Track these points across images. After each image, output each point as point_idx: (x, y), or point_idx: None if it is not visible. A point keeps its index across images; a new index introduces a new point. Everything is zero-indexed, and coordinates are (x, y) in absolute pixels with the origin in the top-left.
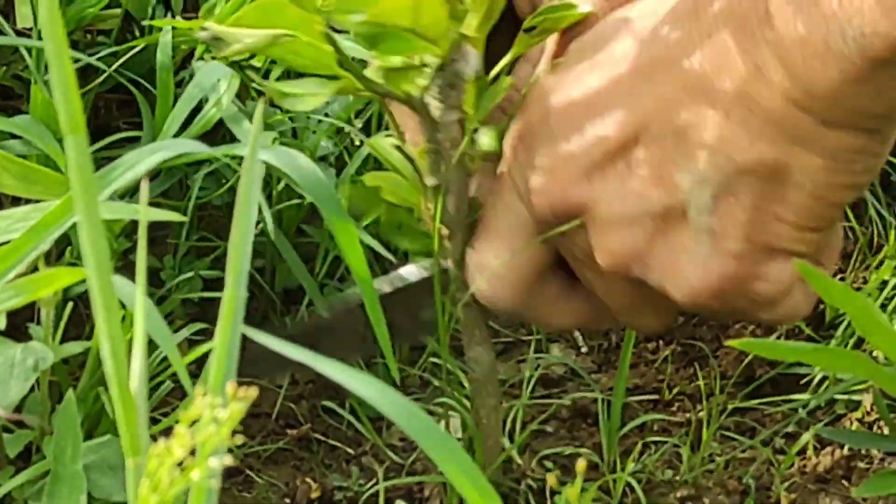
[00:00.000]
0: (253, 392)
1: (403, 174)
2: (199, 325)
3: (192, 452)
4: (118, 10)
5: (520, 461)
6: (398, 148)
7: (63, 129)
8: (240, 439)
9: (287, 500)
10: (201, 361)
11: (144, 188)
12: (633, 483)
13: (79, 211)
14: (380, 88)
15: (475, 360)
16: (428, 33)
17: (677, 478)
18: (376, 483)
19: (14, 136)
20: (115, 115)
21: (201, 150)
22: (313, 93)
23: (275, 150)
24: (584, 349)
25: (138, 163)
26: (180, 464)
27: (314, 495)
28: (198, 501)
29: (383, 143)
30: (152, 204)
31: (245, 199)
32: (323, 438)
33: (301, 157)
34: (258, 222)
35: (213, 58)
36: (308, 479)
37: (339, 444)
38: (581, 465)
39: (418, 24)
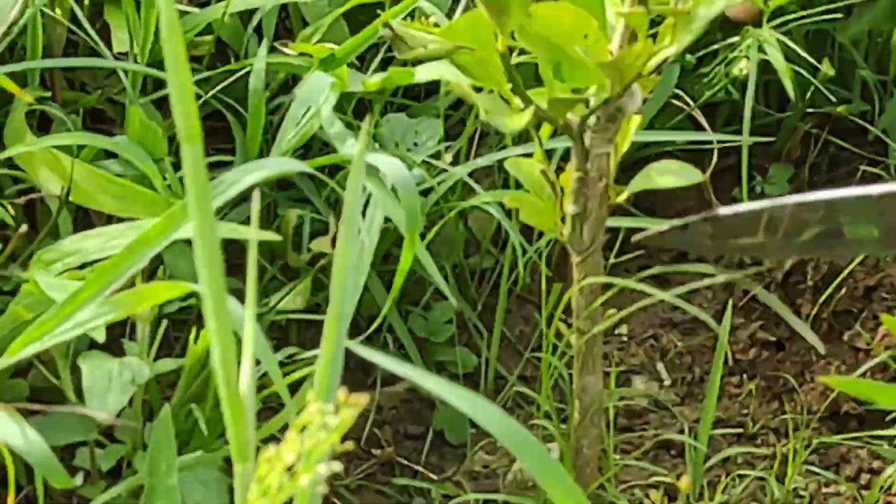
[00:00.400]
0: (364, 398)
1: (541, 198)
2: (290, 350)
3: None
4: (210, 37)
5: (612, 490)
6: (542, 172)
7: (180, 136)
8: (351, 445)
9: None
10: (293, 387)
11: (256, 199)
12: None
13: (194, 216)
14: (542, 113)
15: (585, 390)
16: (609, 69)
17: None
18: None
19: (109, 157)
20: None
21: (299, 167)
22: (517, 114)
23: (374, 155)
24: (666, 382)
25: (241, 179)
26: (288, 469)
27: None
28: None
29: (523, 165)
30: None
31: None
32: (406, 463)
33: (403, 167)
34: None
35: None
36: None
37: (421, 470)
38: (655, 494)
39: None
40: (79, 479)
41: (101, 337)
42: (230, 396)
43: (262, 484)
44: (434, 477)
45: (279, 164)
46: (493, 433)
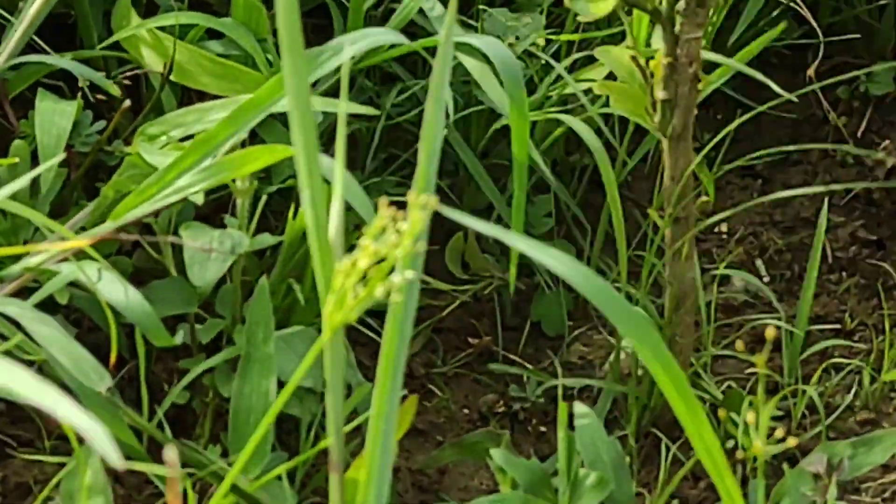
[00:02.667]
0: (434, 200)
1: (632, 85)
2: None
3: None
4: None
5: (706, 379)
6: (633, 59)
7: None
8: (423, 245)
9: (466, 411)
10: None
11: (346, 67)
12: (817, 400)
13: (289, 81)
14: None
15: (677, 276)
16: None
17: (857, 402)
18: (554, 396)
19: (213, 37)
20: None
21: (399, 39)
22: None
23: (476, 36)
24: (765, 279)
25: (341, 49)
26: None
27: (496, 409)
28: (396, 317)
29: (614, 53)
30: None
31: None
32: (503, 353)
33: (501, 46)
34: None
35: None
36: (489, 393)
37: (518, 360)
38: (770, 331)
39: None
40: (179, 338)
41: (199, 200)
42: (320, 245)
43: (337, 295)
44: (529, 367)
45: (379, 34)
46: (599, 305)
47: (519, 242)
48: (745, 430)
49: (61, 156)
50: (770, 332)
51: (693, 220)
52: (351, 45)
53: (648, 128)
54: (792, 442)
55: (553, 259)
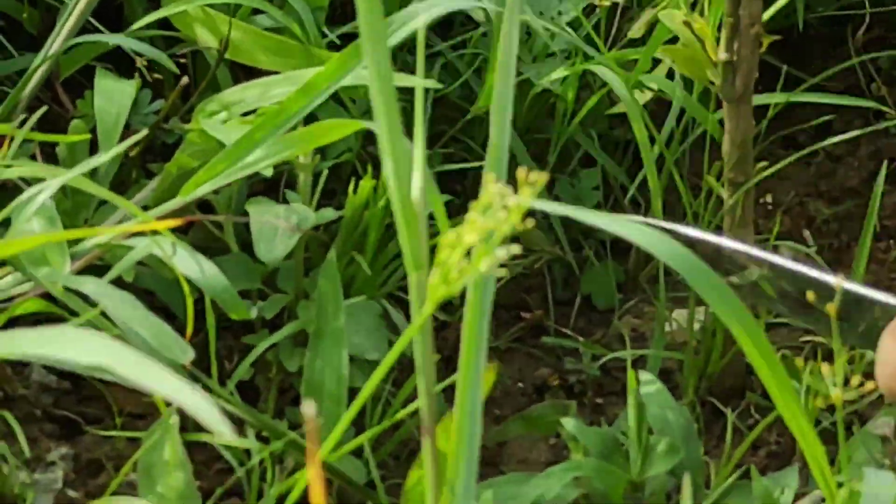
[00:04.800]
0: (544, 176)
1: (695, 48)
2: None
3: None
4: None
5: None
6: (686, 24)
7: None
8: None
9: (521, 385)
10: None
11: (421, 39)
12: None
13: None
14: None
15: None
16: None
17: None
18: (611, 365)
19: (258, 12)
20: None
21: (474, 5)
22: None
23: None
24: (814, 248)
25: (414, 16)
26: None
27: (551, 382)
28: (477, 286)
29: (677, 16)
30: None
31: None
32: (555, 327)
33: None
34: None
35: None
36: (542, 367)
37: (570, 333)
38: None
39: None
40: (254, 312)
41: (269, 173)
42: (403, 206)
43: (442, 268)
44: (581, 339)
45: (453, 1)
46: (677, 268)
47: (593, 217)
48: (807, 391)
49: (133, 138)
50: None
51: (752, 184)
52: (425, 12)
53: (713, 90)
54: (871, 385)
55: (622, 226)
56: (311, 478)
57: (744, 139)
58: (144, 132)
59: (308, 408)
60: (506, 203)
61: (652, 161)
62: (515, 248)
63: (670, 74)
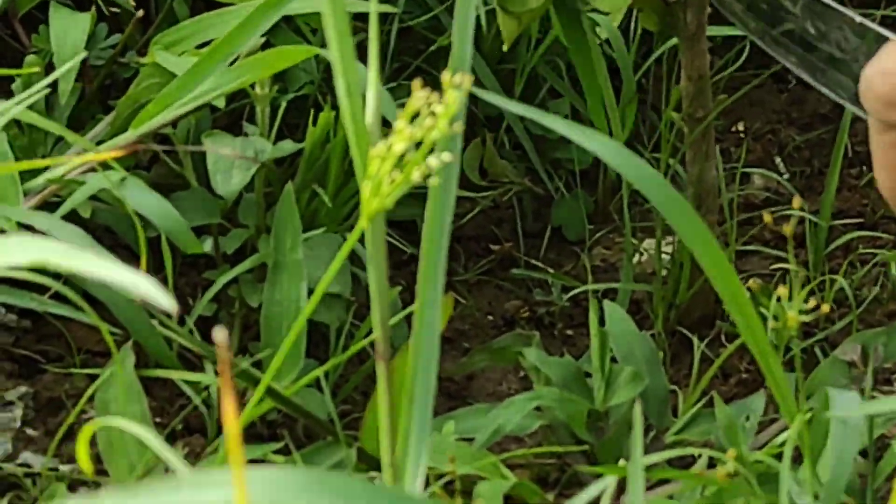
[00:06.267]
0: (469, 79)
1: None
2: None
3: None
4: None
5: None
6: None
7: None
8: (459, 127)
9: (490, 317)
10: None
11: None
12: (847, 290)
13: None
14: None
15: (699, 178)
16: None
17: (884, 295)
18: (582, 297)
19: None
20: None
21: None
22: None
23: None
24: (785, 175)
25: None
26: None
27: (520, 314)
28: (436, 201)
29: None
30: None
31: None
32: (525, 259)
33: None
34: None
35: None
36: (513, 299)
37: (540, 265)
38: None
39: None
40: (207, 245)
41: (221, 104)
42: (356, 129)
43: (373, 180)
44: (552, 271)
45: None
46: (642, 189)
47: (562, 126)
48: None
49: (77, 59)
50: (787, 229)
51: (712, 122)
52: None
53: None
54: (825, 308)
55: (597, 143)
56: (225, 406)
57: (700, 75)
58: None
59: (219, 333)
60: (433, 110)
61: (610, 89)
62: (447, 156)
63: None
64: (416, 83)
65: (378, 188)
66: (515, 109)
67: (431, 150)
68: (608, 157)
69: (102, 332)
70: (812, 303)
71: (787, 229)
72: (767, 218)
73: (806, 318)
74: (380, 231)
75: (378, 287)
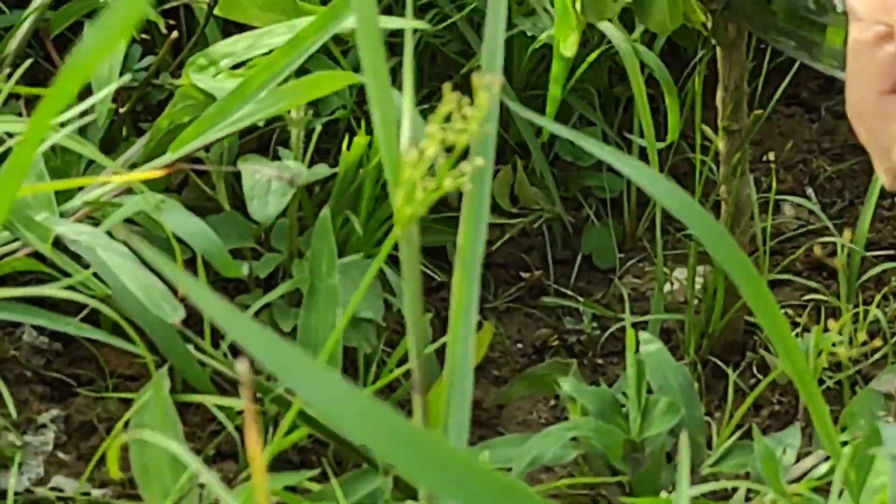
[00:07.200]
0: (499, 80)
1: None
2: None
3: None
4: None
5: None
6: None
7: None
8: (491, 129)
9: (520, 345)
10: None
11: None
12: (883, 322)
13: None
14: None
15: (731, 193)
16: None
17: None
18: (612, 325)
19: None
20: None
21: None
22: None
23: None
24: (816, 205)
25: None
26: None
27: (550, 342)
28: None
29: None
30: None
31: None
32: (555, 287)
33: None
34: None
35: None
36: (542, 327)
37: (570, 293)
38: (817, 249)
39: None
40: (245, 270)
41: (259, 122)
42: (390, 155)
43: (406, 187)
44: (581, 299)
45: None
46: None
47: (598, 149)
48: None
49: (114, 85)
50: (817, 249)
51: (746, 132)
52: None
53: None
54: (877, 342)
55: (632, 167)
56: (249, 438)
57: (737, 86)
58: (135, 89)
59: (242, 365)
60: (464, 113)
61: (650, 123)
62: (480, 161)
63: None
64: (447, 87)
65: (411, 195)
66: (553, 128)
67: (465, 157)
68: (643, 182)
69: (143, 356)
70: (859, 338)
71: (818, 251)
72: (818, 251)
73: (854, 353)
74: (414, 261)
75: (414, 320)
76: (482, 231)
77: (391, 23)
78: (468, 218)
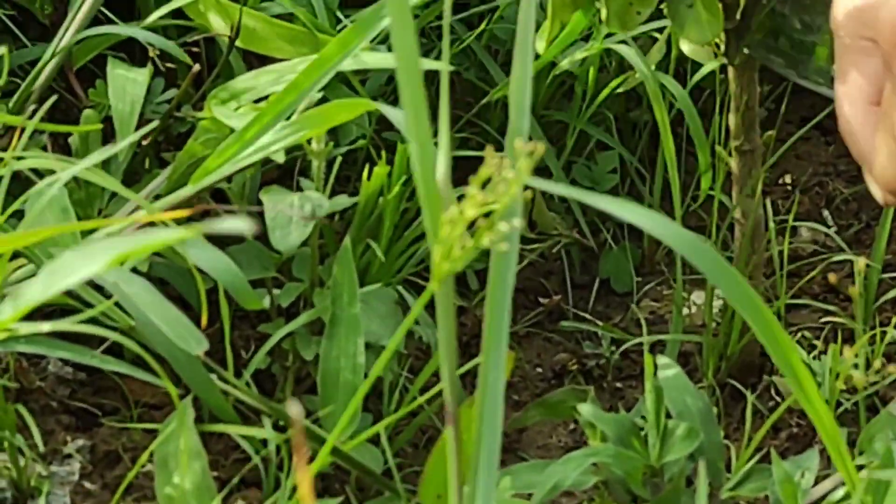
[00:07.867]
0: (542, 147)
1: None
2: None
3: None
4: None
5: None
6: None
7: None
8: (530, 194)
9: (539, 370)
10: None
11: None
12: None
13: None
14: None
15: (745, 214)
16: None
17: None
18: (631, 349)
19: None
20: None
21: None
22: None
23: None
24: (833, 229)
25: None
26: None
27: (569, 366)
28: (498, 267)
29: None
30: None
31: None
32: (574, 311)
33: None
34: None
35: None
36: (561, 352)
37: (588, 317)
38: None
39: None
40: (267, 301)
41: (280, 158)
42: (428, 191)
43: (444, 244)
44: (600, 323)
45: None
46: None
47: (604, 202)
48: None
49: (147, 127)
50: (832, 277)
51: (760, 153)
52: None
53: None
54: (893, 369)
55: (636, 214)
56: (300, 478)
57: (749, 105)
58: (157, 122)
59: (294, 407)
60: (505, 176)
61: (671, 146)
62: (518, 223)
63: None
64: (489, 149)
65: (449, 252)
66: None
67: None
68: (648, 225)
69: (167, 387)
70: (876, 361)
71: (833, 278)
72: (833, 278)
73: (871, 377)
74: (450, 316)
75: (447, 353)
76: (512, 266)
77: (428, 64)
78: (499, 257)
